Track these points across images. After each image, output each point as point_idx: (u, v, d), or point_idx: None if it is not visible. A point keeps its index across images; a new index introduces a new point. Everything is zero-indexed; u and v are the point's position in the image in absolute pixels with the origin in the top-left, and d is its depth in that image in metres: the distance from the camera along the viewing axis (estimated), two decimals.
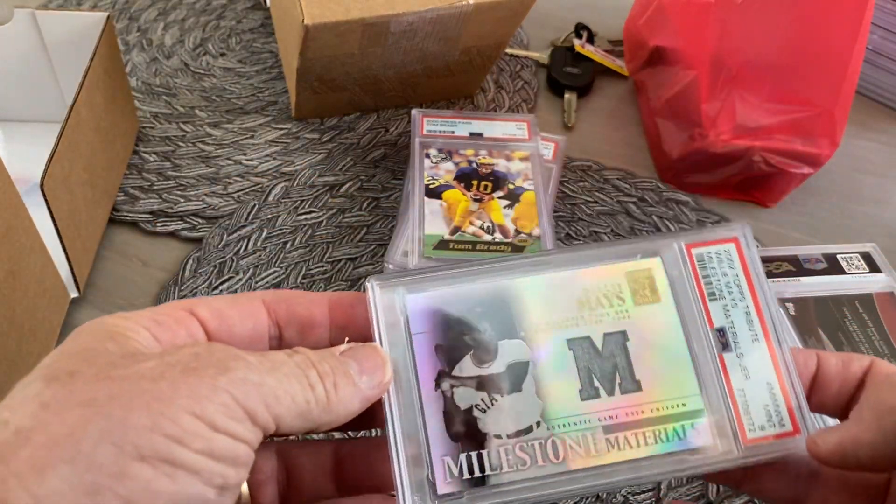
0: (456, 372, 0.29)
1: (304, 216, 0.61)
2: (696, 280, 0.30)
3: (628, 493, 0.48)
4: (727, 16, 0.59)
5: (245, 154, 0.64)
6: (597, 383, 0.29)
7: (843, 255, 0.53)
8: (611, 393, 0.29)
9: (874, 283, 0.52)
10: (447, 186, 0.56)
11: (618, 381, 0.29)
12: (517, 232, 0.54)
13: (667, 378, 0.29)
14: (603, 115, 0.73)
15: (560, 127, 0.71)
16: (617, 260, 0.30)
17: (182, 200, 0.61)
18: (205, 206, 0.60)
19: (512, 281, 0.30)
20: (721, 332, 0.30)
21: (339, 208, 0.61)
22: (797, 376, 0.29)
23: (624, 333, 0.30)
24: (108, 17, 0.57)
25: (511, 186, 0.56)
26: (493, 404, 0.28)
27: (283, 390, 0.24)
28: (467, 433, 0.28)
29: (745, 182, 0.64)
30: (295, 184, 0.62)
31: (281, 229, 0.59)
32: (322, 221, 0.60)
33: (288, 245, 0.59)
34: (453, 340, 0.29)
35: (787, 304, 0.50)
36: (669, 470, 0.28)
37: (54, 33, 0.60)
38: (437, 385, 0.28)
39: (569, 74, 0.73)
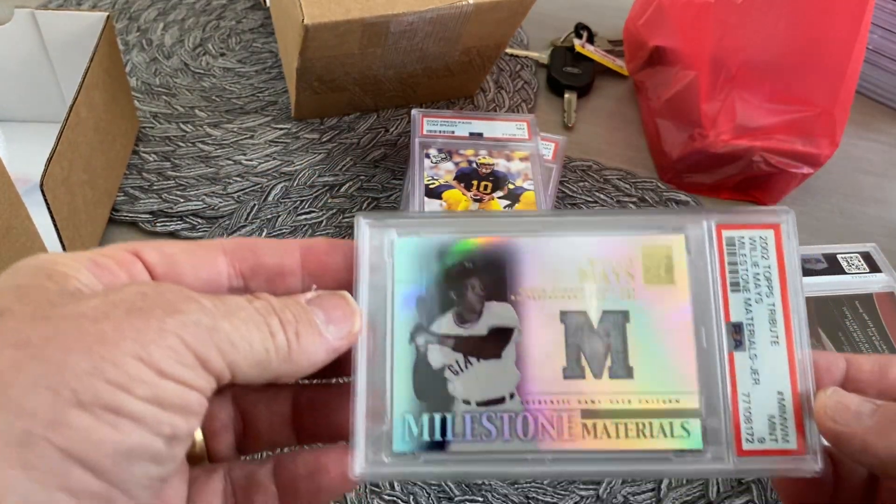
0: (434, 328, 0.27)
1: (303, 216, 0.60)
2: (720, 266, 0.27)
3: (628, 493, 0.48)
4: (727, 16, 0.59)
5: (245, 154, 0.64)
6: (584, 363, 0.26)
7: (843, 255, 0.53)
8: (598, 375, 0.26)
9: (874, 283, 0.52)
10: (447, 186, 0.56)
11: (608, 363, 0.26)
12: None
13: (664, 369, 0.26)
14: (603, 115, 0.73)
15: (560, 127, 0.71)
16: (635, 231, 0.27)
17: (182, 200, 0.60)
18: (205, 206, 0.60)
19: (513, 239, 0.27)
20: (737, 328, 0.26)
21: (339, 208, 0.61)
22: (815, 390, 0.26)
23: (626, 314, 0.27)
24: (108, 17, 0.57)
25: (511, 186, 0.56)
26: (466, 368, 0.26)
27: (239, 336, 0.22)
28: (434, 394, 0.26)
29: (745, 182, 0.64)
30: (295, 184, 0.62)
31: (281, 229, 0.59)
32: (322, 221, 0.60)
33: None
34: (437, 294, 0.27)
35: None
36: (647, 469, 0.27)
37: (54, 33, 0.59)
38: (412, 339, 0.27)
39: (569, 74, 0.73)
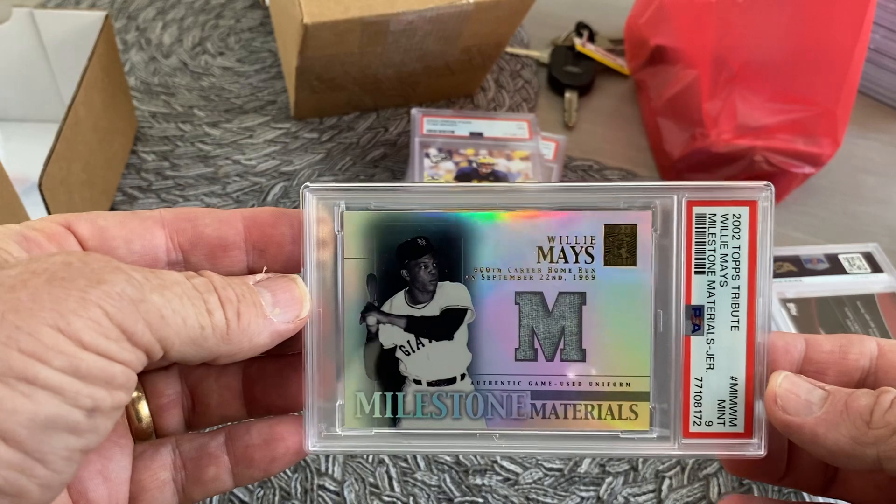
0: (385, 307, 0.26)
1: None
2: (687, 246, 0.26)
3: (629, 494, 0.47)
4: (728, 15, 0.58)
5: (244, 153, 0.64)
6: (537, 345, 0.26)
7: (844, 256, 0.53)
8: (550, 358, 0.26)
9: (876, 284, 0.51)
10: None
11: (561, 346, 0.26)
12: None
13: (617, 353, 0.26)
14: (604, 114, 0.72)
15: (561, 126, 0.71)
16: (598, 207, 0.26)
17: (181, 200, 0.60)
18: (203, 205, 0.60)
19: (470, 214, 0.26)
20: (697, 312, 0.26)
21: None
22: (769, 373, 0.26)
23: (583, 295, 0.26)
24: (107, 16, 0.57)
25: None
26: (418, 348, 0.26)
27: (171, 311, 0.21)
28: (386, 373, 0.26)
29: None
30: (294, 183, 0.62)
31: None
32: None
33: None
34: (388, 272, 0.26)
35: (788, 305, 0.50)
36: (594, 450, 0.26)
37: (52, 32, 0.59)
38: (363, 318, 0.26)
39: (569, 73, 0.73)
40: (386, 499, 0.46)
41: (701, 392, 0.26)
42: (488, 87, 0.73)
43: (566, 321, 0.26)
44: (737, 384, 0.26)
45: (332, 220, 0.26)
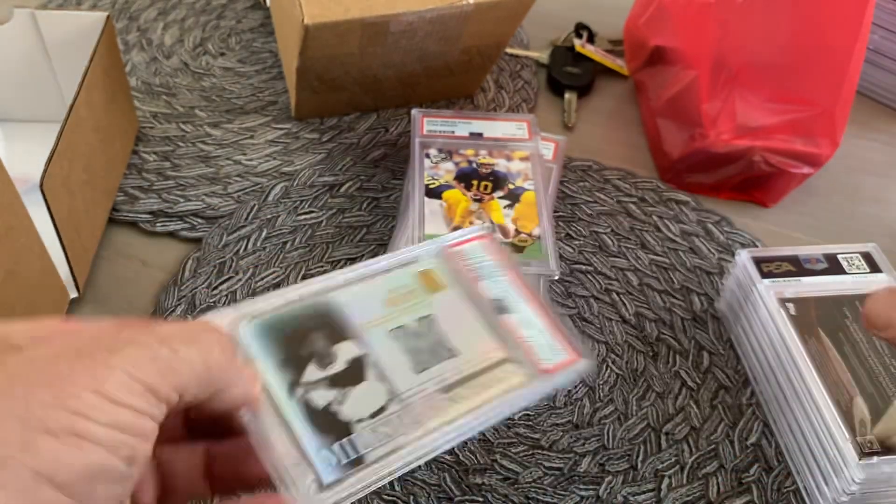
0: (304, 379, 0.32)
1: (303, 216, 0.60)
2: (465, 268, 0.39)
3: (628, 493, 0.48)
4: (728, 15, 0.59)
5: (245, 154, 0.64)
6: (423, 358, 0.35)
7: (843, 256, 0.53)
8: (438, 362, 0.35)
9: (875, 284, 0.51)
10: (447, 186, 0.56)
11: (438, 352, 0.35)
12: (517, 232, 0.53)
13: (474, 342, 0.36)
14: (603, 114, 0.73)
15: (560, 127, 0.71)
16: (405, 266, 0.38)
17: (182, 200, 0.60)
18: (204, 206, 0.60)
19: (328, 297, 0.35)
20: (498, 301, 0.38)
21: (339, 208, 0.61)
22: (559, 319, 0.37)
23: (430, 316, 0.36)
24: (108, 16, 0.57)
25: (511, 186, 0.56)
26: (346, 397, 0.33)
27: (178, 360, 0.25)
28: (333, 426, 0.32)
29: (746, 182, 0.64)
30: (295, 184, 0.62)
31: (281, 229, 0.59)
32: (322, 221, 0.60)
33: (288, 245, 0.59)
34: (293, 354, 0.33)
35: (787, 304, 0.50)
36: (500, 408, 0.34)
37: (54, 33, 0.59)
38: (291, 395, 0.32)
39: (569, 74, 0.73)
40: (386, 497, 0.47)
41: (532, 344, 0.37)
42: (488, 88, 0.73)
43: (432, 335, 0.36)
44: (546, 331, 0.37)
45: (243, 336, 0.33)
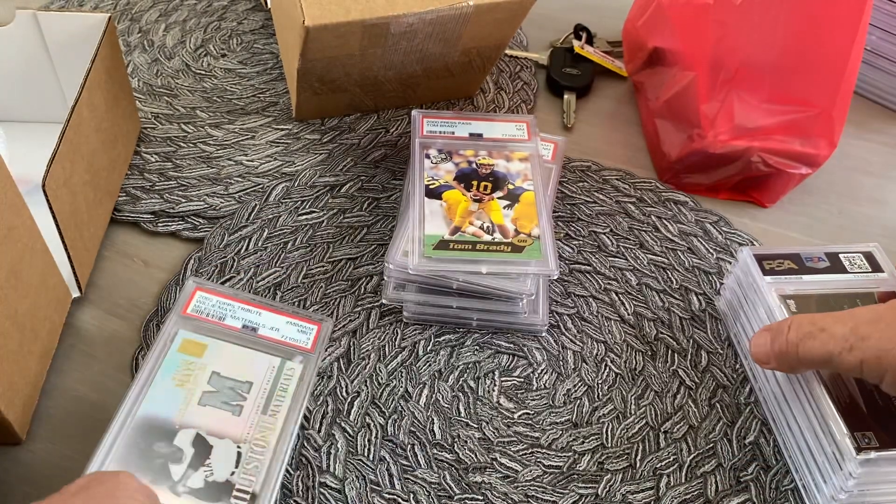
0: (175, 476, 0.41)
1: (304, 216, 0.61)
2: (206, 319, 0.48)
3: (627, 492, 0.48)
4: (726, 17, 0.59)
5: (246, 154, 0.65)
6: (233, 402, 0.45)
7: (845, 255, 0.54)
8: (245, 398, 0.45)
9: (876, 282, 0.52)
10: (447, 187, 0.56)
11: (239, 391, 0.45)
12: (517, 232, 0.54)
13: (253, 366, 0.47)
14: (602, 115, 0.73)
15: (559, 127, 0.71)
16: (167, 355, 0.46)
17: (183, 201, 0.61)
18: (206, 206, 0.61)
19: (138, 415, 0.43)
20: (246, 326, 0.48)
21: (340, 208, 0.62)
22: (283, 308, 0.50)
23: (214, 372, 0.46)
24: (110, 18, 0.57)
25: (511, 187, 0.57)
26: (211, 467, 0.42)
27: None
28: (219, 491, 0.41)
29: (744, 182, 0.64)
30: (296, 184, 0.63)
31: (282, 229, 0.60)
32: (322, 221, 0.61)
33: (289, 245, 0.59)
34: (153, 464, 0.41)
35: (787, 301, 0.50)
36: (305, 397, 0.46)
37: (56, 34, 0.60)
38: (177, 494, 0.40)
39: (568, 75, 0.74)
40: (387, 496, 0.47)
41: (285, 339, 0.49)
42: (488, 89, 0.73)
43: (226, 382, 0.46)
44: (285, 322, 0.49)
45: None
